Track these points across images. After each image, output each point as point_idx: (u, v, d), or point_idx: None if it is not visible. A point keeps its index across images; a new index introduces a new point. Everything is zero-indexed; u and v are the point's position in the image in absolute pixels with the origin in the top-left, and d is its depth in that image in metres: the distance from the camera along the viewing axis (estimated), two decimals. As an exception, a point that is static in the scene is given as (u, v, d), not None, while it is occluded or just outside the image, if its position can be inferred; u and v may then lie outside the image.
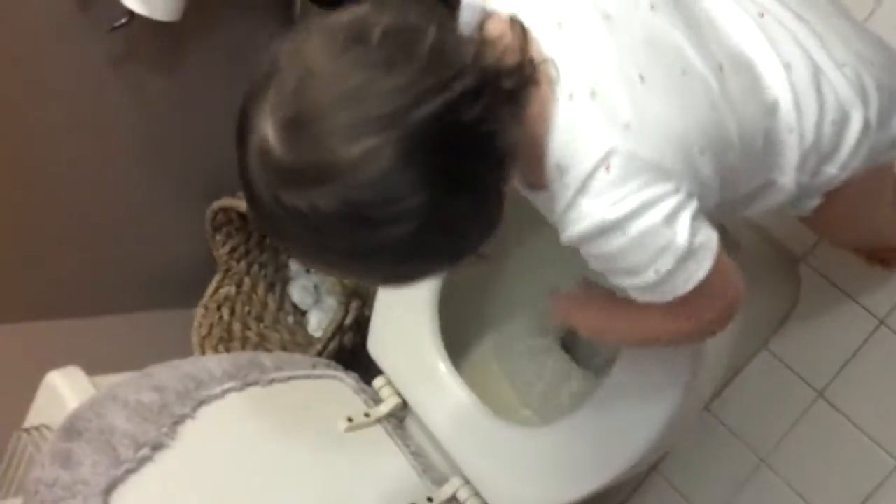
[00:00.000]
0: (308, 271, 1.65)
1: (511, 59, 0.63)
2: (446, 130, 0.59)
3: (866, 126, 0.79)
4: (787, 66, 0.76)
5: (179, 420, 1.01)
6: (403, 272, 0.68)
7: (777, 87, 0.75)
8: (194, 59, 1.37)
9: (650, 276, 0.67)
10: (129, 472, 0.95)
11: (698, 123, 0.69)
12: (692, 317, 0.72)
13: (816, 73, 0.77)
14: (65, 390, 1.10)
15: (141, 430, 0.98)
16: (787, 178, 0.79)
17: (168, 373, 1.06)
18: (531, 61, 0.64)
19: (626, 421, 0.99)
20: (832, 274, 1.21)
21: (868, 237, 1.05)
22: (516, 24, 0.64)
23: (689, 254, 0.67)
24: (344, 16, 0.61)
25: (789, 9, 0.79)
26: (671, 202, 0.66)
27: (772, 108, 0.75)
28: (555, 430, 1.04)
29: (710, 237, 0.68)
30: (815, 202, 0.85)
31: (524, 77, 0.63)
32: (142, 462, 0.96)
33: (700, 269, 0.68)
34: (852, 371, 1.20)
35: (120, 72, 1.32)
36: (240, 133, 0.62)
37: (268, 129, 0.60)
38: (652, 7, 0.71)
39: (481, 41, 0.62)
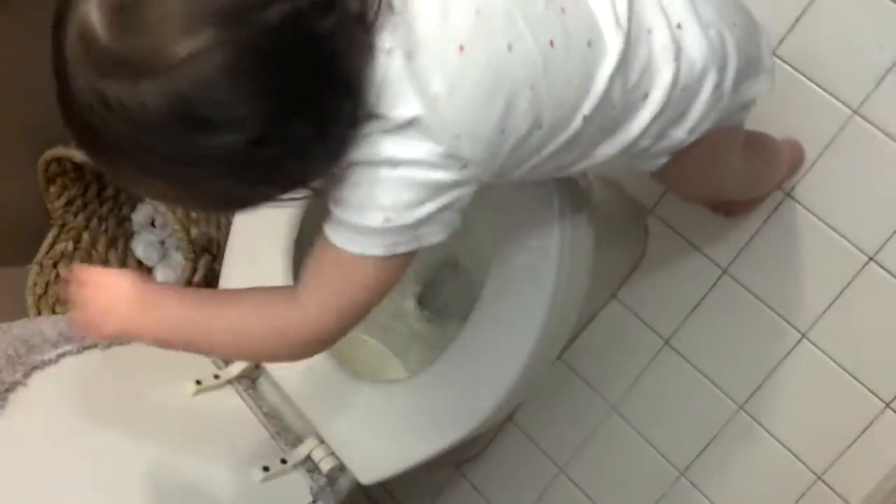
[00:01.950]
0: (153, 224, 1.58)
1: None
2: (293, 39, 0.57)
3: (717, 90, 0.79)
4: (648, 31, 0.75)
5: (10, 387, 0.95)
6: (235, 192, 0.65)
7: (612, 67, 0.72)
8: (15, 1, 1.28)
9: (377, 218, 0.66)
10: (-45, 445, 0.89)
11: (509, 101, 0.67)
12: (306, 312, 0.71)
13: (676, 40, 0.76)
14: None
15: (-33, 399, 0.92)
16: (607, 149, 0.78)
17: (-3, 337, 0.99)
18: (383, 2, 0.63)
19: (481, 373, 0.99)
20: (679, 225, 1.24)
21: (714, 192, 1.08)
22: None
23: (415, 228, 0.67)
24: None
25: None
26: (449, 176, 0.66)
27: (599, 89, 0.72)
28: (409, 385, 1.03)
29: (436, 234, 0.68)
30: (662, 161, 0.85)
31: (376, 10, 0.62)
32: (-31, 434, 0.90)
33: (404, 247, 0.67)
34: (697, 319, 1.25)
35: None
36: (58, 16, 0.58)
37: (92, 11, 0.56)
38: None
39: None
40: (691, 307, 1.25)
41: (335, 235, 0.68)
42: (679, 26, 0.77)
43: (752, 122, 1.08)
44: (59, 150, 1.39)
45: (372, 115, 0.63)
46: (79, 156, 1.39)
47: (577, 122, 0.73)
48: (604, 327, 1.31)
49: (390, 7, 0.63)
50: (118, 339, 0.79)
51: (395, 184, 0.65)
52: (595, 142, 0.77)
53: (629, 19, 0.73)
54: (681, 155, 0.84)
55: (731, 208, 1.18)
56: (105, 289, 0.76)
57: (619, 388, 1.32)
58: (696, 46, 0.77)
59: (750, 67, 0.83)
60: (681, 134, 0.80)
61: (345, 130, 0.63)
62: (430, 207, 0.66)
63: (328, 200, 0.68)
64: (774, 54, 1.11)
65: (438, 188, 0.66)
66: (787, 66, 1.11)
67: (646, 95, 0.76)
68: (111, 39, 0.56)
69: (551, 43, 0.69)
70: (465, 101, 0.65)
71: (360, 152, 0.64)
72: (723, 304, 1.22)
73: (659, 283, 1.27)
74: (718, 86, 0.79)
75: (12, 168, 1.44)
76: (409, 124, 0.64)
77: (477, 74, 0.66)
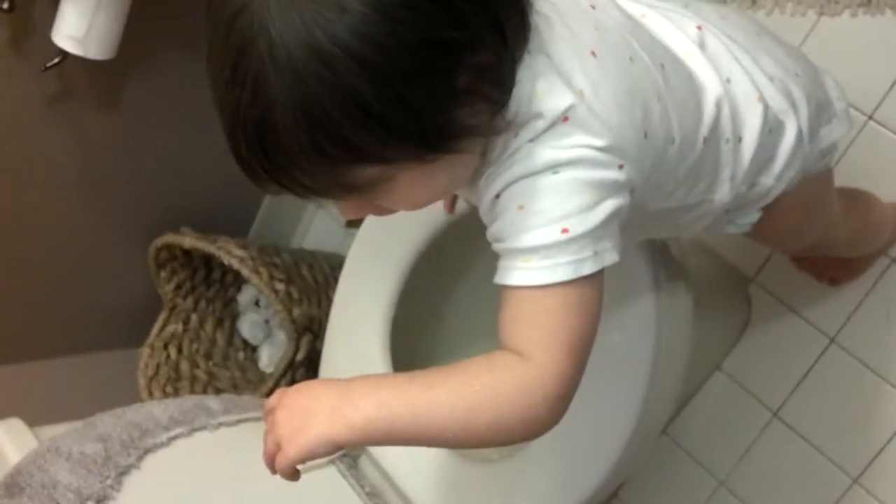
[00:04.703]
0: (257, 303, 1.63)
1: None
2: None
3: (800, 135, 0.81)
4: (727, 81, 0.77)
5: (125, 471, 0.98)
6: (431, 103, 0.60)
7: (715, 97, 0.75)
8: (132, 95, 1.35)
9: (554, 232, 0.63)
10: (74, 527, 0.92)
11: (645, 108, 0.68)
12: (540, 364, 0.64)
13: (755, 85, 0.78)
14: (6, 444, 1.06)
15: (85, 482, 0.95)
16: (723, 191, 0.79)
17: (112, 422, 1.03)
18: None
19: (582, 452, 0.98)
20: (783, 293, 1.21)
21: (816, 245, 1.05)
22: None
23: (595, 237, 0.64)
24: None
25: (718, 28, 0.81)
26: (611, 174, 0.65)
27: (710, 116, 0.75)
28: (510, 464, 1.02)
29: (612, 251, 0.66)
30: (753, 217, 0.86)
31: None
32: (87, 516, 0.93)
33: (589, 265, 0.64)
34: (806, 390, 1.21)
35: (56, 111, 1.30)
36: None
37: None
38: (592, 7, 0.71)
39: None
40: (799, 377, 1.21)
41: (514, 276, 0.65)
42: (754, 79, 0.79)
43: (854, 185, 1.07)
44: (169, 238, 1.46)
45: (526, 118, 0.64)
46: (186, 242, 1.44)
47: (700, 143, 0.74)
48: (709, 400, 1.28)
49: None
50: (323, 452, 0.66)
51: (562, 189, 0.63)
52: (714, 178, 0.78)
53: (713, 67, 0.77)
54: (772, 207, 0.85)
55: (835, 276, 1.16)
56: (297, 400, 0.67)
57: (727, 463, 1.28)
58: (770, 93, 0.79)
59: (822, 113, 0.85)
60: (769, 181, 0.81)
61: (514, 72, 0.63)
62: (603, 210, 0.64)
63: (492, 241, 0.67)
64: (872, 118, 1.10)
65: (604, 187, 0.64)
66: (885, 130, 1.09)
67: (740, 140, 0.78)
68: None
69: (662, 65, 0.72)
70: (610, 98, 0.66)
71: (517, 168, 0.64)
72: (832, 374, 1.19)
73: (765, 354, 1.24)
74: (799, 131, 0.81)
75: (125, 255, 1.51)
76: (564, 118, 0.63)
77: (612, 76, 0.67)
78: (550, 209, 0.63)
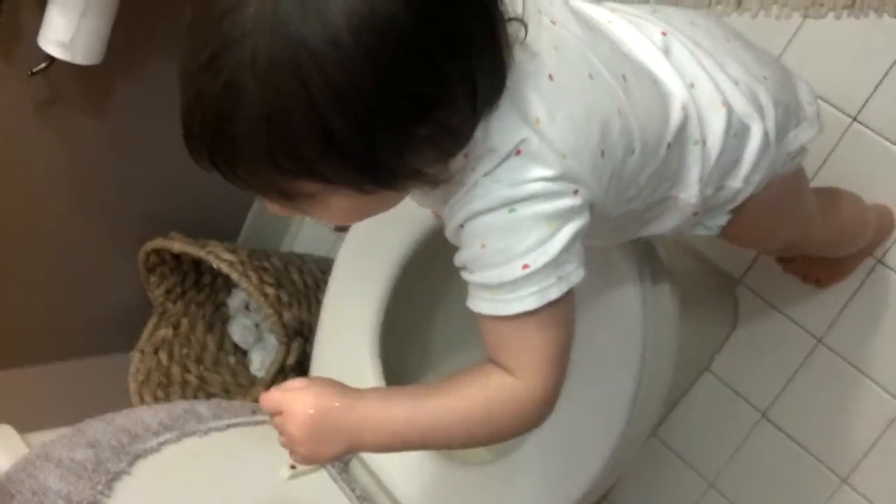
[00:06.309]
0: (247, 307, 1.63)
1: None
2: None
3: (766, 139, 0.82)
4: (691, 86, 0.78)
5: (115, 476, 0.98)
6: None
7: (681, 102, 0.77)
8: (119, 100, 1.35)
9: (516, 269, 0.66)
10: (64, 533, 0.92)
11: (603, 126, 0.70)
12: (527, 381, 0.70)
13: (719, 89, 0.79)
14: (-5, 451, 1.06)
15: (75, 489, 0.95)
16: (690, 192, 0.80)
17: (102, 427, 1.03)
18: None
19: (573, 453, 0.98)
20: (770, 295, 1.22)
21: (793, 244, 1.06)
22: None
23: (556, 264, 0.67)
24: None
25: (685, 34, 0.82)
26: (565, 202, 0.67)
27: (676, 121, 0.76)
28: (499, 467, 1.03)
29: (577, 270, 0.69)
30: (722, 220, 0.87)
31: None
32: (77, 523, 0.93)
33: (554, 291, 0.67)
34: (794, 390, 1.22)
35: (43, 116, 1.30)
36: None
37: None
38: (553, 23, 0.72)
39: None
40: (787, 378, 1.22)
41: (483, 305, 0.69)
42: (717, 83, 0.80)
43: (837, 186, 1.07)
44: (159, 242, 1.45)
45: (481, 152, 0.65)
46: (176, 247, 1.44)
47: (663, 150, 0.76)
48: (698, 401, 1.28)
49: None
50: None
51: (519, 226, 0.66)
52: (678, 179, 0.79)
53: (678, 72, 0.78)
54: (741, 210, 0.86)
55: (822, 277, 1.16)
56: (312, 417, 0.71)
57: (717, 464, 1.29)
58: (734, 98, 0.80)
59: (790, 117, 0.85)
60: (736, 184, 0.83)
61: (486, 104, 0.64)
62: (562, 238, 0.67)
63: (459, 267, 0.70)
64: (856, 119, 1.11)
65: (560, 215, 0.67)
66: (869, 132, 1.10)
67: (704, 143, 0.79)
68: None
69: (624, 77, 0.73)
70: (566, 123, 0.67)
71: (477, 203, 0.66)
72: (819, 375, 1.19)
73: (753, 355, 1.24)
74: (766, 134, 0.82)
75: (114, 260, 1.50)
76: (517, 152, 0.65)
77: (570, 99, 0.68)
78: (510, 247, 0.66)
